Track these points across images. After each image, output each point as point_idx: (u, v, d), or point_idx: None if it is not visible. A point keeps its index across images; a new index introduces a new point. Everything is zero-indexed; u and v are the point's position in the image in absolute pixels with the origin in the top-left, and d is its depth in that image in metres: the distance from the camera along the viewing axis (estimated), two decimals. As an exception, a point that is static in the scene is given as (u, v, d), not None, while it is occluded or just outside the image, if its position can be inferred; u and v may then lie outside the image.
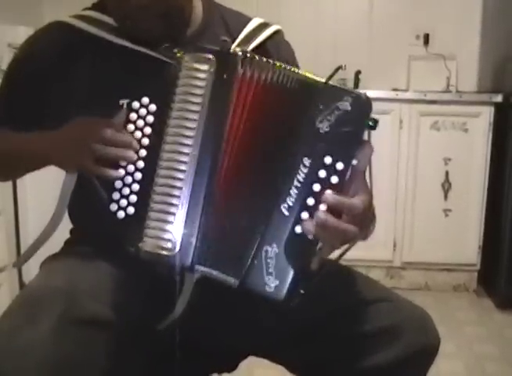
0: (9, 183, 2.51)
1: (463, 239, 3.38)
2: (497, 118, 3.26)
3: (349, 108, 0.98)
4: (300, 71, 1.05)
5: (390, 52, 3.91)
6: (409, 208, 3.38)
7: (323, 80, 1.02)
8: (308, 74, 1.04)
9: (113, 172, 1.02)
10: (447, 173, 3.35)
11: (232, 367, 1.33)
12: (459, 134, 3.32)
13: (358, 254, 3.61)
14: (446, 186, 3.36)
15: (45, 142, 1.12)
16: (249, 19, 1.28)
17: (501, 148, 3.23)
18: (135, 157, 1.02)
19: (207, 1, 1.29)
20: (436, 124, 3.32)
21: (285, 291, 0.97)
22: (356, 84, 3.85)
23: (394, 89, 3.56)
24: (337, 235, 0.97)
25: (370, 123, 0.99)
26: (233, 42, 1.19)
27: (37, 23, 1.37)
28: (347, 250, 1.02)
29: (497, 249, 3.22)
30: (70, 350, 0.92)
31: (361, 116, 0.99)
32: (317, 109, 0.99)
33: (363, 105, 0.99)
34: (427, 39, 3.87)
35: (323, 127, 0.98)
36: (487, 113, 3.27)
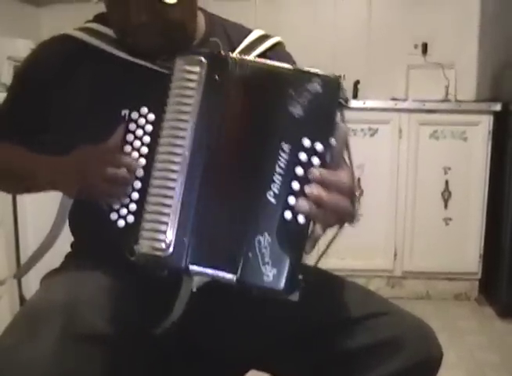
0: (9, 195, 2.51)
1: (463, 247, 3.38)
2: (496, 127, 3.27)
3: (319, 89, 0.99)
4: (268, 62, 1.06)
5: (388, 61, 3.92)
6: (409, 217, 3.38)
7: (289, 66, 1.04)
8: (276, 64, 1.05)
9: (118, 200, 1.03)
10: (447, 182, 3.35)
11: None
12: (458, 143, 3.32)
13: (358, 263, 3.62)
14: (446, 195, 3.36)
15: (51, 171, 1.14)
16: (250, 31, 1.29)
17: (500, 156, 3.23)
18: (134, 180, 1.04)
19: (208, 14, 1.30)
20: (435, 133, 3.32)
21: (284, 279, 0.97)
22: (355, 94, 3.87)
23: (393, 99, 3.56)
24: (329, 208, 0.96)
25: (341, 101, 1.00)
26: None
27: (36, 36, 1.39)
28: (337, 233, 1.02)
29: (498, 257, 3.22)
30: (71, 364, 0.92)
31: (331, 95, 0.99)
32: (288, 94, 1.00)
33: (332, 84, 1.00)
34: (425, 48, 3.89)
35: (296, 111, 0.99)
36: (486, 122, 3.28)
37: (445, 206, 3.37)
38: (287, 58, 1.34)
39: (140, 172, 1.03)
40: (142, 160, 1.04)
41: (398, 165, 3.33)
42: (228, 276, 0.99)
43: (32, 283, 1.15)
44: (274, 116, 1.01)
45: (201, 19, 1.28)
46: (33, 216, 2.60)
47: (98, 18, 1.25)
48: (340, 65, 3.84)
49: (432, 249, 3.39)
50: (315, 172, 0.96)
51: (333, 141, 0.98)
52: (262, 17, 3.84)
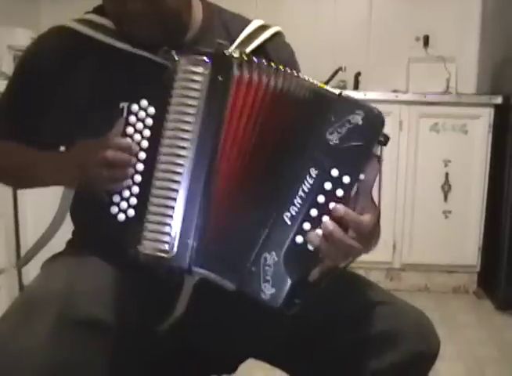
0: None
1: (462, 240, 3.38)
2: (497, 120, 3.27)
3: (360, 122, 0.97)
4: (311, 79, 1.04)
5: (389, 53, 3.92)
6: (408, 210, 3.38)
7: (337, 91, 1.01)
8: (321, 84, 1.03)
9: (117, 187, 1.03)
10: (447, 175, 3.35)
11: (232, 369, 1.33)
12: (458, 136, 3.32)
13: (357, 256, 3.49)
14: (446, 188, 3.36)
15: (52, 169, 1.15)
16: (249, 22, 1.29)
17: (501, 150, 3.22)
18: (133, 172, 1.03)
19: (207, 4, 1.29)
20: (436, 125, 3.32)
21: (280, 300, 0.97)
22: (356, 86, 3.86)
23: (394, 91, 3.56)
24: (341, 249, 0.96)
25: (381, 138, 0.98)
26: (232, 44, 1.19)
27: (36, 25, 1.38)
28: (347, 265, 1.02)
29: (497, 250, 3.22)
30: (66, 353, 0.92)
31: (371, 131, 0.98)
32: (328, 120, 0.98)
33: (375, 120, 0.98)
34: (426, 41, 3.88)
35: (333, 139, 0.98)
36: (486, 115, 3.27)
37: (445, 199, 3.37)
38: (286, 48, 1.34)
39: (140, 166, 1.03)
40: (142, 154, 1.03)
41: (398, 157, 3.33)
42: (229, 284, 1.00)
43: (32, 272, 1.14)
44: (308, 137, 1.00)
45: (198, 8, 1.27)
46: (33, 208, 2.60)
47: (97, 10, 1.24)
48: (342, 56, 3.83)
49: (431, 242, 3.39)
50: (340, 210, 0.95)
51: (362, 176, 0.97)
52: (263, 10, 3.82)
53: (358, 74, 3.88)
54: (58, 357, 0.91)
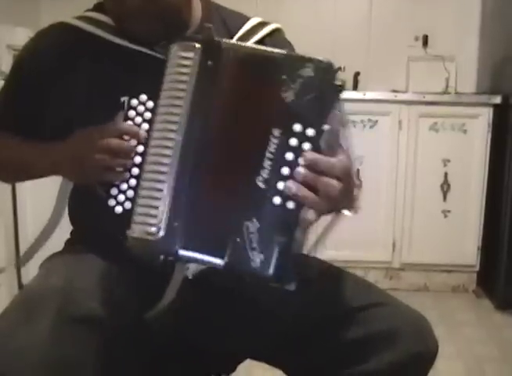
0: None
1: (462, 240, 3.39)
2: (496, 119, 3.27)
3: (312, 74, 0.97)
4: (263, 47, 1.07)
5: (389, 53, 3.92)
6: (408, 209, 3.38)
7: (283, 51, 1.03)
8: (269, 49, 1.04)
9: (116, 178, 1.04)
10: (446, 174, 3.35)
11: (231, 369, 1.33)
12: (458, 135, 3.32)
13: (357, 255, 3.62)
14: (445, 187, 3.36)
15: (49, 160, 1.15)
16: (248, 19, 1.29)
17: (500, 149, 3.23)
18: (132, 162, 1.04)
19: (206, 2, 1.29)
20: (435, 125, 3.32)
21: (272, 264, 0.95)
22: (355, 86, 3.86)
23: (394, 91, 3.56)
24: (319, 190, 0.95)
25: (336, 86, 0.98)
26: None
27: (35, 24, 1.38)
28: (334, 221, 1.01)
29: (496, 250, 3.23)
30: (66, 349, 0.92)
31: (325, 80, 0.97)
32: (280, 79, 0.98)
33: (326, 69, 0.98)
34: (426, 40, 3.88)
35: (289, 96, 0.98)
36: (486, 115, 3.28)
37: (444, 198, 3.37)
38: (286, 45, 1.33)
39: (138, 158, 1.04)
40: (140, 147, 1.04)
41: (397, 157, 3.33)
42: (216, 261, 0.98)
43: (31, 271, 1.15)
44: (266, 101, 1.00)
45: (198, 6, 1.27)
46: (32, 205, 2.60)
47: (97, 7, 1.24)
48: (341, 56, 3.83)
49: (431, 241, 3.39)
50: (307, 155, 0.95)
51: (326, 126, 0.96)
52: (263, 9, 3.82)
53: (357, 74, 3.88)
54: (58, 354, 0.91)
